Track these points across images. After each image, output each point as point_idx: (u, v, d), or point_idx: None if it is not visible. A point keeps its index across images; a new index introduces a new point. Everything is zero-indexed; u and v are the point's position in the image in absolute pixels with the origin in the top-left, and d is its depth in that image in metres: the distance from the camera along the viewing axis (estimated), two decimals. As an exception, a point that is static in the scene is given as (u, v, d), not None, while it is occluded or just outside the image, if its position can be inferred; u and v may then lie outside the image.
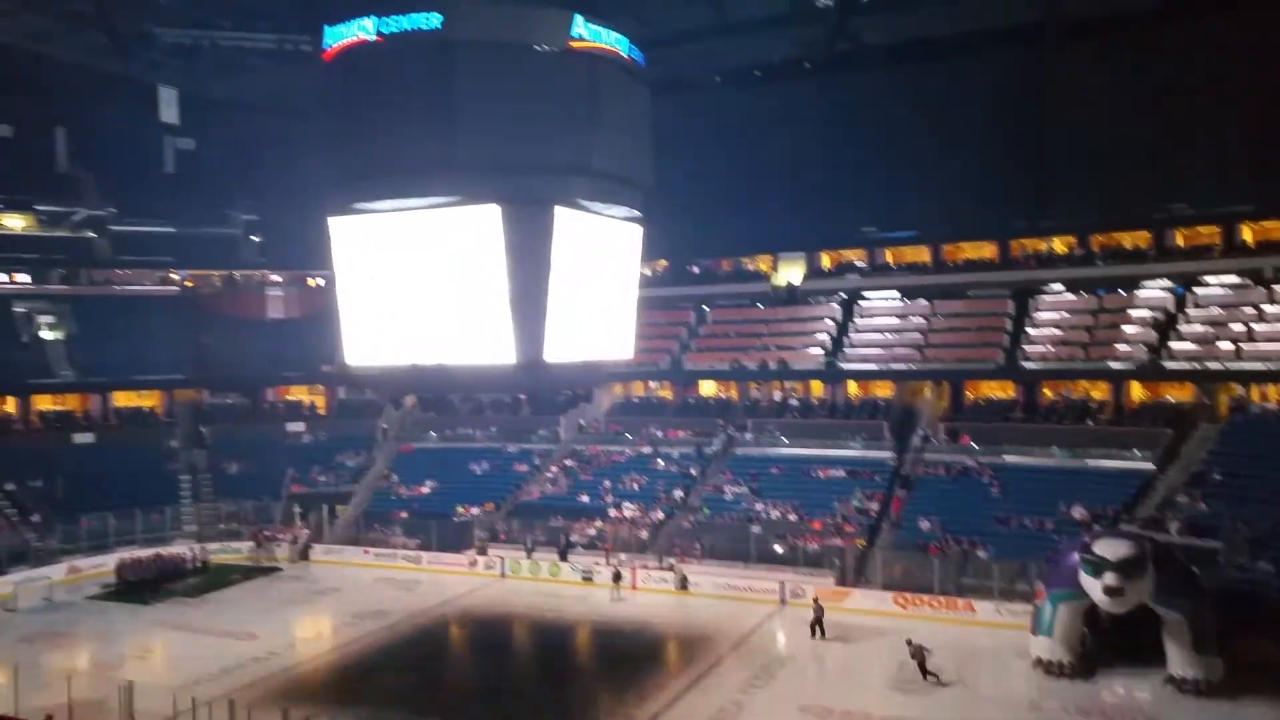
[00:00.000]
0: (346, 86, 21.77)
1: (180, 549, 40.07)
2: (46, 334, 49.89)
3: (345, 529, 43.67)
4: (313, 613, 34.11)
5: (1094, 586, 24.73)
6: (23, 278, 51.90)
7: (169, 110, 36.57)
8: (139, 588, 36.42)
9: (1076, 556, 25.40)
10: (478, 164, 20.50)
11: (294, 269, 56.62)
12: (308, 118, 24.56)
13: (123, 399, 51.13)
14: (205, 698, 21.86)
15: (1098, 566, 24.55)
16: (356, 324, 23.28)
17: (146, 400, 51.78)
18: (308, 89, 25.26)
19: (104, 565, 38.15)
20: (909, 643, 26.17)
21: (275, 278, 57.07)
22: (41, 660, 27.91)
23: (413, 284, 21.92)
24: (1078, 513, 34.13)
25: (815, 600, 30.41)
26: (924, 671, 25.55)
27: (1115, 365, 40.61)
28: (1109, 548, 24.80)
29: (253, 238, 56.78)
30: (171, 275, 55.38)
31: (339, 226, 22.81)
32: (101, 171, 52.16)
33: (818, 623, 29.38)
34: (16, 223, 51.72)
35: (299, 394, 55.00)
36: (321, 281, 54.60)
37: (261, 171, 49.02)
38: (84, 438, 47.13)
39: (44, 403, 49.01)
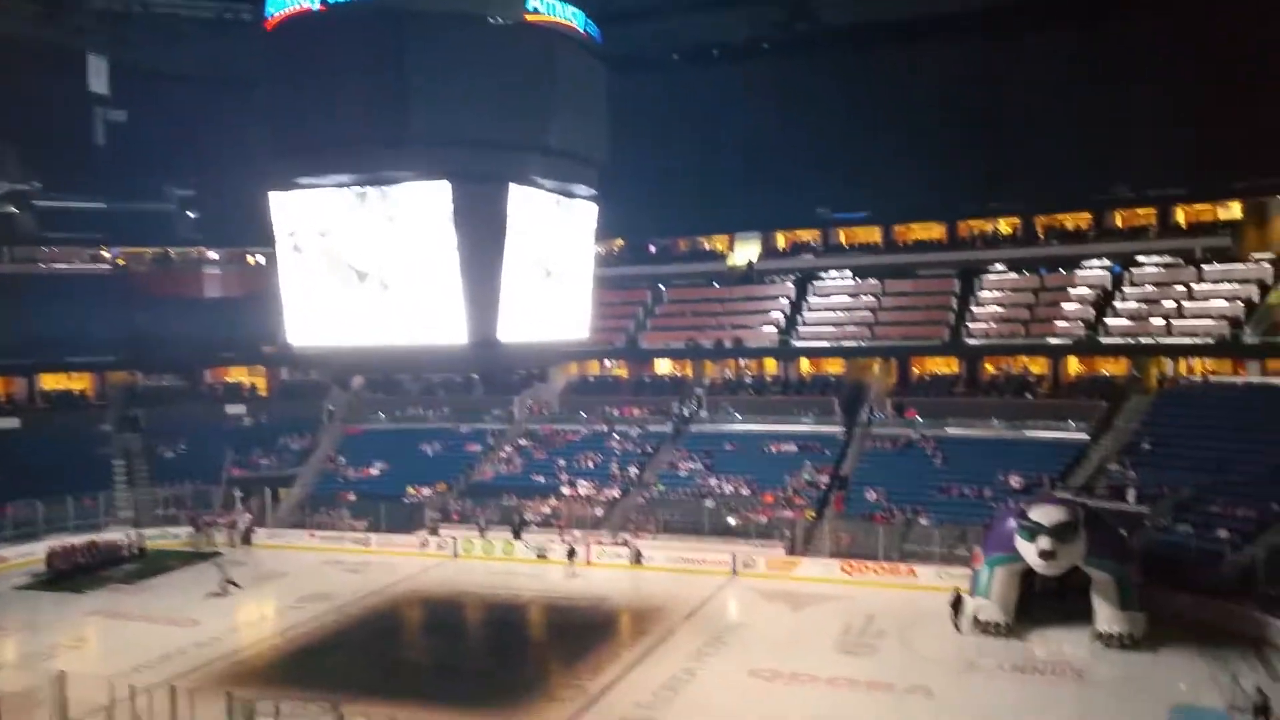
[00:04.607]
0: (289, 57, 20.85)
1: (115, 536, 39.02)
2: (-35, 315, 47.64)
3: (290, 513, 42.82)
4: (257, 597, 33.33)
5: (1029, 550, 25.76)
6: (-63, 255, 49.58)
7: (98, 80, 34.72)
8: (71, 576, 35.42)
9: (1013, 522, 26.49)
10: (428, 140, 19.77)
11: (233, 246, 54.72)
12: (248, 89, 23.46)
13: (50, 381, 49.44)
14: (144, 685, 20.95)
15: (1033, 531, 25.62)
16: (300, 302, 22.46)
17: (76, 383, 50.13)
18: (248, 59, 24.15)
19: (33, 554, 37.02)
20: None
21: (212, 255, 55.37)
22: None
23: (360, 261, 21.21)
24: (1015, 481, 35.20)
25: None
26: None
27: (1054, 341, 41.59)
28: (1043, 513, 25.91)
29: (189, 213, 54.88)
30: (102, 253, 53.42)
31: (280, 201, 21.93)
32: (24, 143, 49.96)
33: None
34: (-71, 197, 49.35)
35: (239, 375, 53.63)
36: (262, 259, 53.18)
37: (198, 145, 47.30)
38: (7, 422, 45.50)
39: (-37, 387, 47.01)
